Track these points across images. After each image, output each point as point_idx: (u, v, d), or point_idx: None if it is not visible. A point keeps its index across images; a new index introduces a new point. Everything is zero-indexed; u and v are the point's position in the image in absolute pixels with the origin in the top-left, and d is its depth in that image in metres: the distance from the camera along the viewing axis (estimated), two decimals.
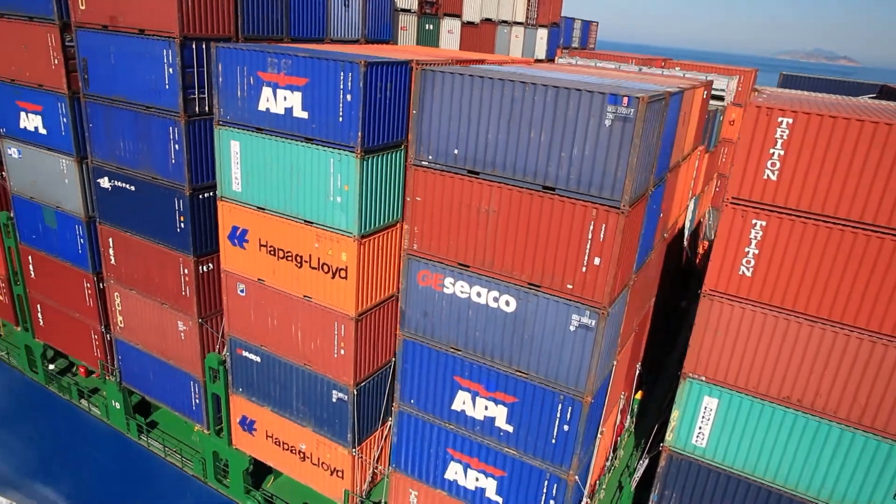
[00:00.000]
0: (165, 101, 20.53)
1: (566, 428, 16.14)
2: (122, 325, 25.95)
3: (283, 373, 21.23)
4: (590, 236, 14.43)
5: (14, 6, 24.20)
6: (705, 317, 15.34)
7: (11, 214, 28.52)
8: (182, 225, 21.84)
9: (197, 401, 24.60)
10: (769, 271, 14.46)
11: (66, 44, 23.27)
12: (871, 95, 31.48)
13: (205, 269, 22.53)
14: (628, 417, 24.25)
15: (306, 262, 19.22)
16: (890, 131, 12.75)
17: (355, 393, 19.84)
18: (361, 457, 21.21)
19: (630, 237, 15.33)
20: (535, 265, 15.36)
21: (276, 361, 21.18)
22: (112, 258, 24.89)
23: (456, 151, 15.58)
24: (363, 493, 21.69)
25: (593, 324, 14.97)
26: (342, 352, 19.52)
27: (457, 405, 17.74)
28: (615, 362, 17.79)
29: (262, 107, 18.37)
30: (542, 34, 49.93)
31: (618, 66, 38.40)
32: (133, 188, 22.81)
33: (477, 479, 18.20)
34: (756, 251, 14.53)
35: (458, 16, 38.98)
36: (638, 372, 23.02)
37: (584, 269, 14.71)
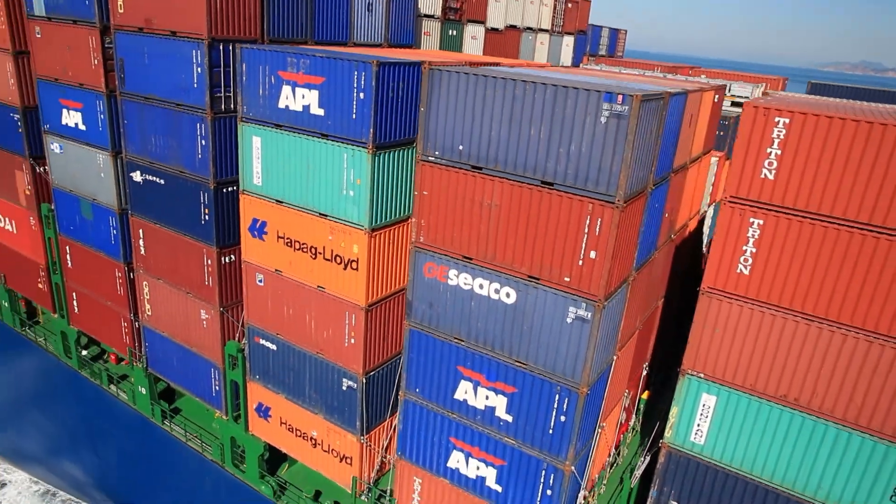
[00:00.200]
0: (194, 98, 21.69)
1: (563, 419, 16.47)
2: (149, 313, 27.20)
3: (297, 360, 22.06)
4: (586, 230, 14.83)
5: (61, 10, 25.91)
6: (704, 314, 15.56)
7: (52, 207, 30.22)
8: (206, 217, 22.92)
9: (217, 387, 25.60)
10: (766, 270, 14.62)
11: (105, 45, 24.80)
12: None
13: (227, 260, 23.54)
14: (634, 416, 24.32)
15: (320, 253, 20.03)
16: (885, 131, 12.88)
17: (364, 381, 20.51)
18: (370, 445, 21.84)
19: (627, 232, 15.65)
20: (534, 258, 15.82)
21: (291, 349, 22.01)
22: (142, 248, 26.19)
23: (461, 147, 16.17)
24: (371, 481, 22.29)
25: (589, 316, 15.33)
26: (352, 341, 20.24)
27: (459, 394, 18.24)
28: (615, 357, 18.05)
29: (282, 104, 19.33)
30: (569, 41, 50.20)
31: (642, 72, 38.51)
32: (162, 182, 24.04)
33: (478, 468, 18.63)
34: (754, 250, 14.72)
35: (482, 22, 39.61)
36: (645, 372, 23.13)
37: (580, 262, 15.11)
